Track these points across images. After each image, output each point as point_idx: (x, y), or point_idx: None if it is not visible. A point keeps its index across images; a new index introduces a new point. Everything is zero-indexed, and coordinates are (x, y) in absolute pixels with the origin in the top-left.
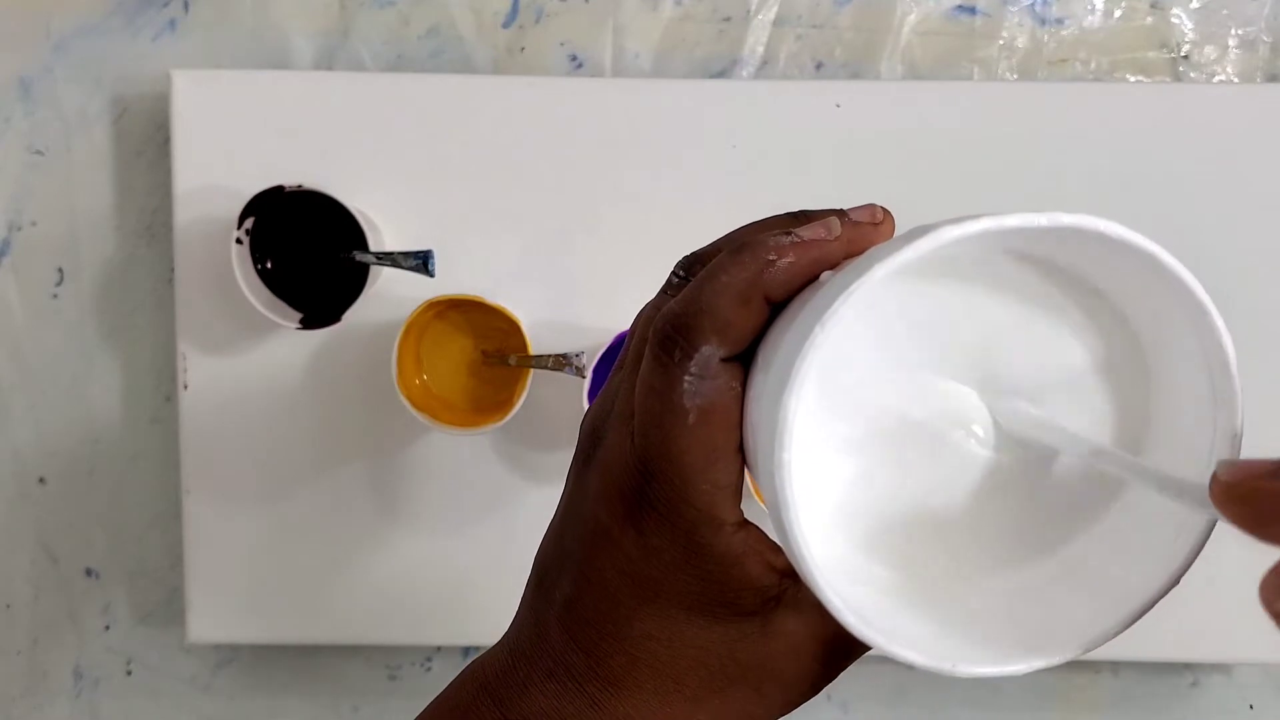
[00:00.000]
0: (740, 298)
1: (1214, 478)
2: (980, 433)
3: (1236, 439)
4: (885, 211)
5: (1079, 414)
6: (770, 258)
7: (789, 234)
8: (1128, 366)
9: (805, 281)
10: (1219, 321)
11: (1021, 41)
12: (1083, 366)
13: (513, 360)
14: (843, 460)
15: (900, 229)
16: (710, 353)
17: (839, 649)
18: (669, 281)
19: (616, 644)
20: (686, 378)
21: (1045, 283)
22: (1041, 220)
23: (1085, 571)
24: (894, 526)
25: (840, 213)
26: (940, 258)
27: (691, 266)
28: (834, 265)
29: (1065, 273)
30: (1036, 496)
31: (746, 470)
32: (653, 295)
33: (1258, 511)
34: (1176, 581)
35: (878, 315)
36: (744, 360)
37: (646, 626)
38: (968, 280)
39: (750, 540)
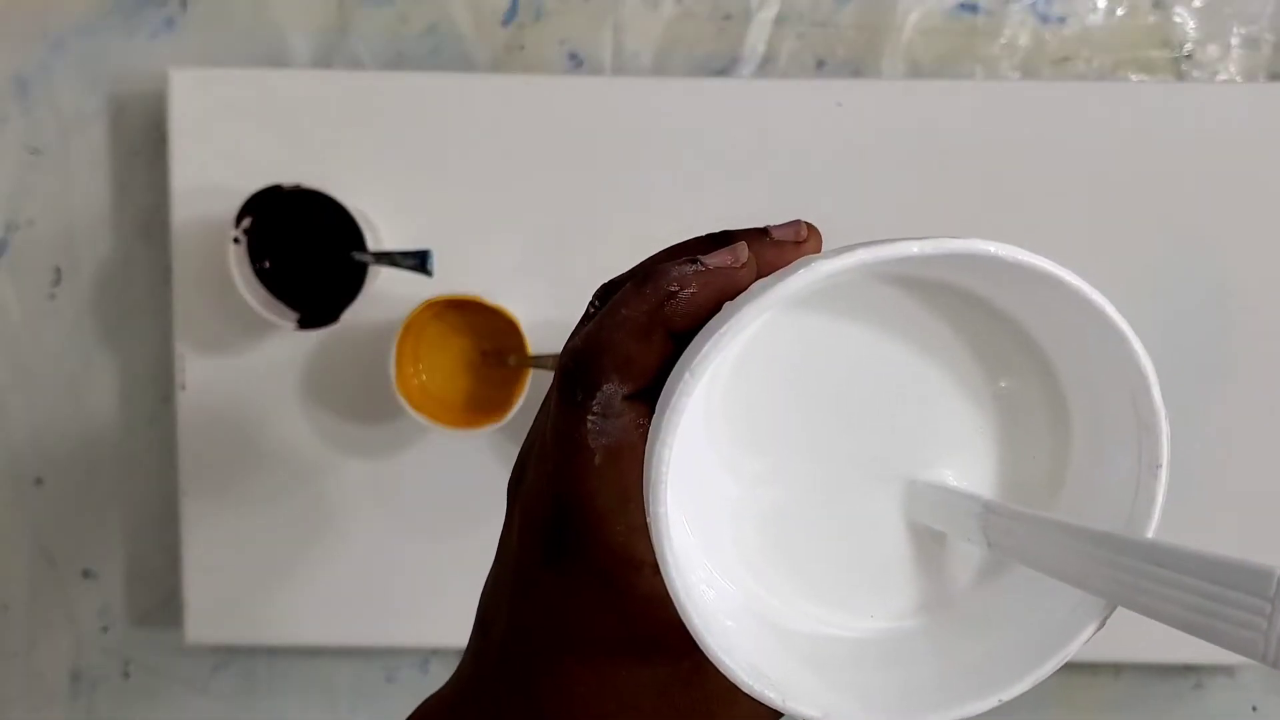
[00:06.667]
0: (640, 332)
1: None
2: (887, 480)
3: (1161, 470)
4: (810, 228)
5: (977, 474)
6: (672, 289)
7: (695, 262)
8: (1039, 410)
9: (711, 311)
10: (1137, 344)
11: (1024, 40)
12: (979, 425)
13: (512, 360)
14: (759, 494)
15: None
16: (612, 391)
17: None
18: (586, 312)
19: (550, 686)
20: (590, 417)
21: (940, 320)
22: (914, 249)
23: (1007, 614)
24: (809, 566)
25: (762, 232)
26: (834, 290)
27: (606, 296)
28: (742, 291)
29: (976, 298)
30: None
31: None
32: None
33: None
34: (1104, 621)
35: (780, 346)
36: (656, 393)
37: (575, 670)
38: (867, 313)
39: None
